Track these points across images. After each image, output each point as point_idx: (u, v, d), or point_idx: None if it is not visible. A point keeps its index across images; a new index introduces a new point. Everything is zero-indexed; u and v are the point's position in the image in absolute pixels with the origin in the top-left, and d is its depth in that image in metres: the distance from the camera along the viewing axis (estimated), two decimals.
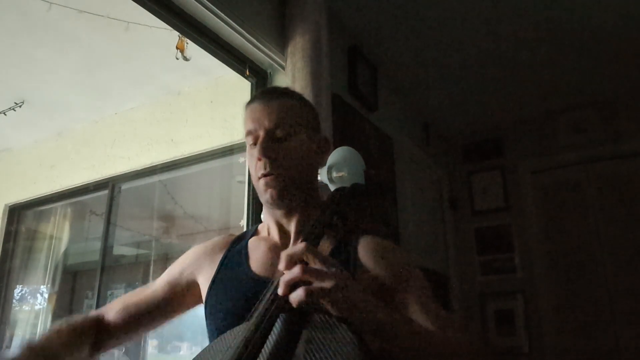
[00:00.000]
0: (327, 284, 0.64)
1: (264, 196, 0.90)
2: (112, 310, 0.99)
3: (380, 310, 0.68)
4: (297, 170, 0.90)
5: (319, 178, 1.00)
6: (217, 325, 0.87)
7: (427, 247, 2.95)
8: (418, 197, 2.89)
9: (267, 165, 0.88)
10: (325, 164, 1.00)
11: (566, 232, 3.13)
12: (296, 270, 0.66)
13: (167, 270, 1.03)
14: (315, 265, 0.67)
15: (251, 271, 0.90)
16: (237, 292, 0.87)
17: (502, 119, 3.41)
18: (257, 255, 0.93)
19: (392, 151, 2.64)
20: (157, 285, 1.01)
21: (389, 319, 0.68)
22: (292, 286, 0.66)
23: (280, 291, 0.66)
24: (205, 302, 0.93)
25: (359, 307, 0.65)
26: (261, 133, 0.89)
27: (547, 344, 2.99)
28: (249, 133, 0.92)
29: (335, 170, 0.99)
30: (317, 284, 0.64)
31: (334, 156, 1.01)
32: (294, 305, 0.64)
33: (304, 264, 0.68)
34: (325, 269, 0.66)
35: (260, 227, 1.02)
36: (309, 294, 0.63)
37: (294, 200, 0.91)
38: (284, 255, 0.68)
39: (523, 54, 2.65)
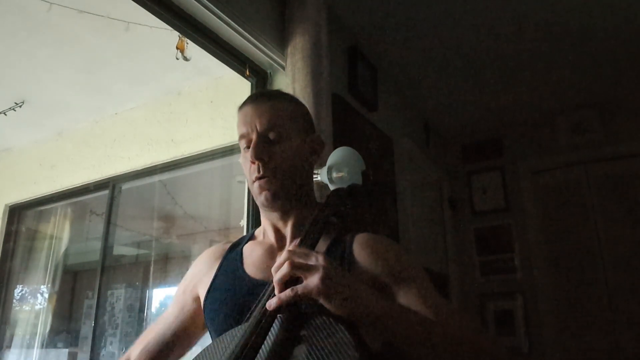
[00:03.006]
0: (315, 278, 0.66)
1: (259, 198, 0.91)
2: (136, 357, 0.97)
3: (375, 299, 0.68)
4: (291, 172, 0.90)
5: (319, 178, 1.00)
6: (217, 328, 0.87)
7: (427, 247, 2.95)
8: (418, 197, 2.89)
9: (261, 167, 0.88)
10: (324, 164, 1.00)
11: (566, 232, 3.13)
12: (285, 269, 0.68)
13: (174, 295, 1.03)
14: (301, 261, 0.69)
15: (247, 274, 0.90)
16: (234, 295, 0.88)
17: (502, 119, 3.41)
18: (253, 258, 0.93)
19: (392, 151, 2.64)
20: (169, 313, 1.01)
21: (385, 307, 0.68)
22: (285, 284, 0.68)
23: (276, 292, 0.68)
24: (204, 307, 0.93)
25: (352, 297, 0.66)
26: (254, 136, 0.90)
27: (547, 344, 2.99)
28: (242, 136, 0.92)
29: (335, 170, 0.99)
30: (305, 282, 0.67)
31: (334, 156, 1.01)
32: (284, 304, 0.67)
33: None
34: (311, 263, 0.68)
35: (257, 231, 1.02)
36: (296, 292, 0.66)
37: (288, 201, 0.91)
38: (273, 272, 0.71)
39: (523, 54, 2.65)
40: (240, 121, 0.93)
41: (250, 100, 0.95)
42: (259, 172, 0.89)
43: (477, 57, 2.67)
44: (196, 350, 0.78)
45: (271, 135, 0.90)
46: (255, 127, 0.90)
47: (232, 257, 0.96)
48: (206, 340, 0.90)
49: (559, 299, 3.05)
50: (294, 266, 0.68)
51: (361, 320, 0.67)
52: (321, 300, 0.66)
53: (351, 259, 0.84)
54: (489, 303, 3.23)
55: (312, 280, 0.66)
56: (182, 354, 1.00)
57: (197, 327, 0.99)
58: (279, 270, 0.69)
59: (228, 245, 1.01)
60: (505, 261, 3.24)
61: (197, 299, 0.98)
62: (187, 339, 0.99)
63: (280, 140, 0.90)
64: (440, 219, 3.32)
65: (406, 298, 0.78)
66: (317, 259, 0.68)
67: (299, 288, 0.66)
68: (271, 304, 0.68)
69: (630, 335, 2.80)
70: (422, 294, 0.78)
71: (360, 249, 0.86)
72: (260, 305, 0.71)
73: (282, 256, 0.70)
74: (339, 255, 0.85)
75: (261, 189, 0.89)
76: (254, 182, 0.90)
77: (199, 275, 0.99)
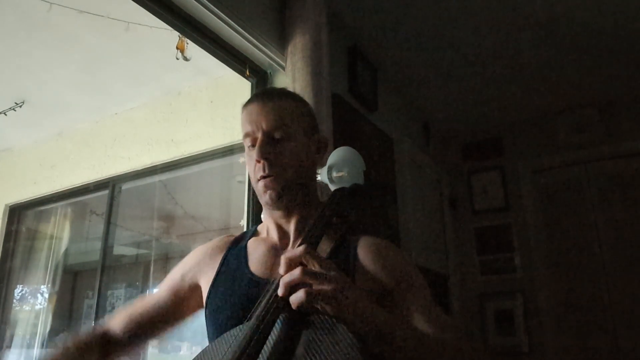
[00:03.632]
0: (327, 287, 0.64)
1: (263, 198, 0.90)
2: (117, 322, 0.99)
3: (379, 314, 0.68)
4: (296, 171, 0.90)
5: (319, 178, 1.00)
6: (218, 326, 0.87)
7: (427, 246, 2.95)
8: (418, 197, 2.89)
9: (266, 166, 0.88)
10: (324, 164, 1.00)
11: (566, 232, 3.13)
12: (296, 272, 0.66)
13: (168, 276, 1.03)
14: (314, 268, 0.67)
15: (250, 272, 0.90)
16: (236, 293, 0.87)
17: (502, 119, 3.41)
18: (256, 256, 0.93)
19: (392, 151, 2.64)
20: (161, 292, 1.01)
21: (388, 322, 0.67)
22: (291, 287, 0.66)
23: (280, 292, 0.67)
24: (206, 303, 0.93)
25: (358, 311, 0.65)
26: (259, 135, 0.89)
27: (547, 344, 2.99)
28: (246, 135, 0.92)
29: (335, 170, 0.99)
30: (316, 287, 0.64)
31: (334, 156, 1.01)
32: (294, 307, 0.65)
33: (303, 266, 0.68)
34: (324, 272, 0.66)
35: (259, 227, 1.02)
36: (309, 296, 0.63)
37: (293, 201, 0.91)
38: (283, 259, 0.69)
39: (523, 53, 2.65)
40: (245, 119, 0.92)
41: (255, 99, 0.94)
42: (264, 171, 0.88)
43: (477, 57, 2.67)
44: (196, 349, 0.78)
45: (277, 134, 0.89)
46: (261, 125, 0.89)
47: (236, 252, 0.96)
48: (205, 339, 0.90)
49: (559, 299, 3.05)
50: (305, 272, 0.66)
51: (363, 331, 0.66)
52: (327, 309, 0.65)
53: (355, 264, 0.84)
54: (489, 303, 3.23)
55: (326, 288, 0.64)
56: (163, 333, 1.00)
57: (186, 312, 0.99)
58: (290, 274, 0.67)
59: (231, 239, 1.01)
60: (506, 261, 3.24)
61: (196, 288, 0.97)
62: (173, 321, 1.00)
63: (285, 139, 0.90)
64: (440, 218, 3.32)
65: (407, 307, 0.79)
66: (329, 268, 0.67)
67: (313, 292, 0.64)
68: (293, 301, 0.65)
69: (630, 335, 2.80)
70: (423, 305, 0.79)
71: (364, 253, 0.85)
72: (262, 304, 0.71)
73: (292, 252, 0.68)
74: (343, 259, 0.85)
75: (266, 187, 0.89)
76: (258, 180, 0.90)
77: (201, 265, 0.98)
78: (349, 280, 0.70)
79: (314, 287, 0.64)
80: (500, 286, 3.22)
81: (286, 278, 0.66)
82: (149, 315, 0.98)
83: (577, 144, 3.21)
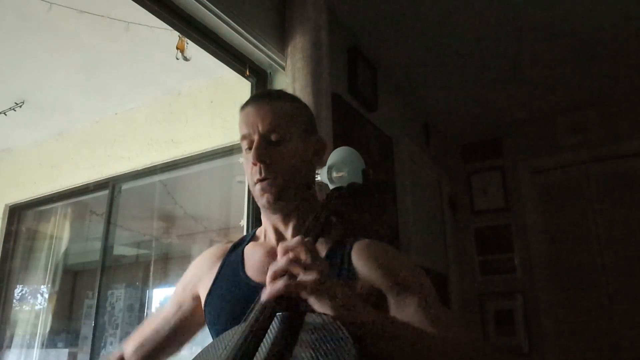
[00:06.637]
0: (309, 278, 0.65)
1: (261, 200, 0.90)
2: (131, 350, 0.99)
3: (365, 310, 0.67)
4: (293, 174, 0.89)
5: (318, 178, 1.00)
6: (218, 331, 0.87)
7: (427, 247, 2.95)
8: (418, 197, 2.89)
9: (263, 169, 0.87)
10: (322, 165, 1.00)
11: (566, 232, 3.13)
12: (283, 262, 0.67)
13: (173, 291, 1.03)
14: (304, 259, 0.67)
15: (247, 277, 0.89)
16: (234, 299, 0.87)
17: (502, 119, 3.41)
18: (253, 260, 0.92)
19: (392, 151, 2.64)
20: (167, 309, 1.01)
21: (375, 319, 0.67)
22: (280, 277, 0.67)
23: (267, 280, 0.67)
24: (205, 309, 0.93)
25: (341, 304, 0.65)
26: (255, 137, 0.88)
27: (547, 344, 3.00)
28: (243, 137, 0.91)
29: (335, 170, 0.98)
30: (299, 278, 0.65)
31: (334, 156, 1.00)
32: (272, 295, 0.65)
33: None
34: (309, 262, 0.66)
35: (258, 231, 1.01)
36: (287, 287, 0.64)
37: (290, 203, 0.90)
38: (280, 247, 0.69)
39: (523, 53, 2.65)
40: (242, 122, 0.92)
41: (252, 101, 0.94)
42: (260, 174, 0.87)
43: (477, 57, 2.67)
44: (196, 349, 0.78)
45: (273, 137, 0.88)
46: (257, 128, 0.89)
47: (233, 258, 0.96)
48: (205, 339, 0.90)
49: (559, 299, 3.05)
50: (291, 261, 0.66)
51: (355, 330, 0.65)
52: (311, 301, 0.65)
53: (350, 267, 0.83)
54: (489, 303, 3.23)
55: (307, 279, 0.65)
56: (178, 350, 1.01)
57: (195, 324, 0.99)
58: (274, 263, 0.68)
59: (229, 245, 1.00)
60: (505, 261, 3.24)
61: (197, 297, 0.97)
62: (183, 335, 1.00)
63: (282, 141, 0.89)
64: (440, 219, 3.32)
65: (405, 307, 0.77)
66: (315, 260, 0.67)
67: (292, 282, 0.65)
68: (272, 291, 0.66)
69: (629, 335, 2.80)
70: (422, 303, 0.77)
71: (358, 256, 0.84)
72: (257, 305, 0.71)
73: (276, 264, 0.69)
74: (337, 263, 0.84)
75: (263, 191, 0.88)
76: (255, 183, 0.89)
77: (200, 274, 0.98)
78: (334, 273, 0.70)
79: (297, 279, 0.65)
80: (500, 286, 3.22)
81: (273, 267, 0.67)
82: (160, 337, 0.99)
83: (577, 144, 3.22)
